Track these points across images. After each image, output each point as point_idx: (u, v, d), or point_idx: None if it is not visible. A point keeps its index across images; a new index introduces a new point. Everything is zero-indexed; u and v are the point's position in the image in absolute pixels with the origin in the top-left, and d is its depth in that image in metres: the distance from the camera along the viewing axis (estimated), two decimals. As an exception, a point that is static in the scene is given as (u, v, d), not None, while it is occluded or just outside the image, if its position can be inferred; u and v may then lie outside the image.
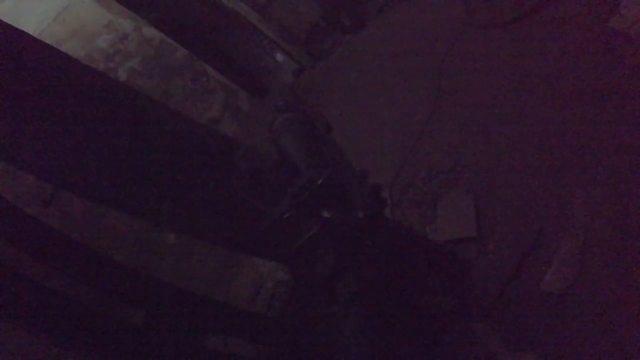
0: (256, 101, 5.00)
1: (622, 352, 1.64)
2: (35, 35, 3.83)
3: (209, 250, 3.29)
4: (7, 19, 2.02)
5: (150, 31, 4.28)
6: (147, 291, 2.15)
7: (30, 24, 3.88)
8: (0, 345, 1.82)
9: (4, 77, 1.78)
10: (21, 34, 2.02)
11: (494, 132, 2.80)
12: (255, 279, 3.16)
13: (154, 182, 2.28)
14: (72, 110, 2.03)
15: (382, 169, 3.35)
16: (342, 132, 2.95)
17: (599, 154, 2.16)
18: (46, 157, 2.06)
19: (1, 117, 1.87)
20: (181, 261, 3.14)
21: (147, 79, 4.05)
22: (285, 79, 5.28)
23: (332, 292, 1.17)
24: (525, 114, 2.67)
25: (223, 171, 2.59)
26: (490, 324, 1.99)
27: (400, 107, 3.78)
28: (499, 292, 2.17)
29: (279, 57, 5.38)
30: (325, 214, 1.21)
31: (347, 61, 5.00)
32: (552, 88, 2.59)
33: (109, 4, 4.21)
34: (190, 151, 2.49)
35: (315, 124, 1.59)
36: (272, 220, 1.27)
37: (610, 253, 1.89)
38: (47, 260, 1.90)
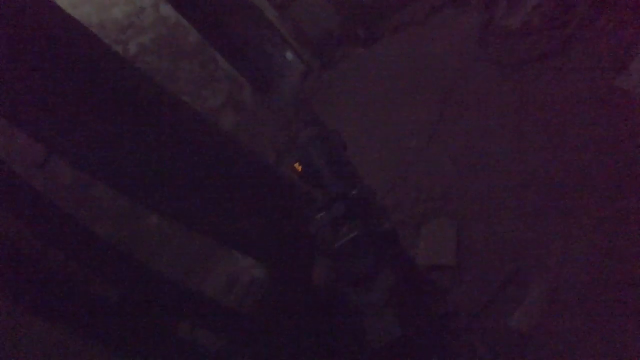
0: (259, 96, 5.02)
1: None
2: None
3: (189, 238, 3.27)
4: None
5: (167, 10, 4.25)
6: (124, 269, 2.14)
7: (46, -18, 3.82)
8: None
9: (12, 35, 1.76)
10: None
11: (487, 167, 2.87)
12: (231, 272, 3.16)
13: (144, 160, 2.28)
14: (74, 78, 2.02)
15: (372, 186, 3.38)
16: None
17: (584, 204, 2.23)
18: (43, 119, 2.04)
19: (5, 73, 1.85)
20: (161, 244, 3.12)
21: (156, 57, 4.02)
22: (292, 80, 5.30)
23: (372, 284, 1.36)
24: (520, 155, 2.74)
25: (217, 162, 2.60)
26: (480, 335, 2.08)
27: (399, 127, 3.84)
28: (467, 322, 2.22)
29: (289, 56, 5.41)
30: (365, 222, 1.44)
31: (354, 74, 5.05)
32: (550, 134, 2.66)
33: (130, -25, 4.18)
34: (188, 138, 2.49)
35: (334, 140, 1.68)
36: (315, 227, 1.44)
37: (580, 301, 1.96)
38: (26, 223, 1.88)
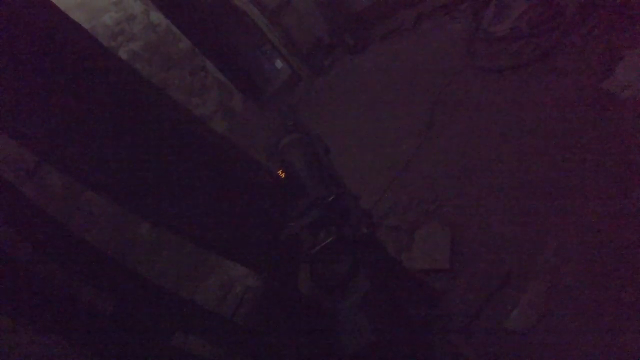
0: (249, 104, 5.02)
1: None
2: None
3: (181, 246, 3.23)
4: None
5: (157, 17, 4.24)
6: (116, 278, 2.09)
7: (35, -11, 3.77)
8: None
9: (9, 39, 1.74)
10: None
11: (478, 170, 2.91)
12: (224, 282, 3.12)
13: (136, 167, 2.25)
14: (66, 82, 1.99)
15: (365, 192, 3.40)
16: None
17: (575, 204, 2.27)
18: (34, 125, 2.01)
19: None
20: (152, 252, 3.07)
21: (146, 64, 3.99)
22: (282, 87, 5.31)
23: (347, 289, 1.35)
24: (510, 157, 2.78)
25: (210, 169, 2.58)
26: (467, 338, 2.08)
27: (390, 133, 3.87)
28: (465, 325, 2.22)
29: (279, 63, 5.44)
30: (342, 227, 1.42)
31: (344, 80, 5.09)
32: (538, 137, 2.71)
33: (122, -18, 4.15)
34: (181, 144, 2.47)
35: (316, 145, 1.68)
36: (287, 234, 1.42)
37: (574, 301, 1.98)
38: (16, 231, 1.84)
